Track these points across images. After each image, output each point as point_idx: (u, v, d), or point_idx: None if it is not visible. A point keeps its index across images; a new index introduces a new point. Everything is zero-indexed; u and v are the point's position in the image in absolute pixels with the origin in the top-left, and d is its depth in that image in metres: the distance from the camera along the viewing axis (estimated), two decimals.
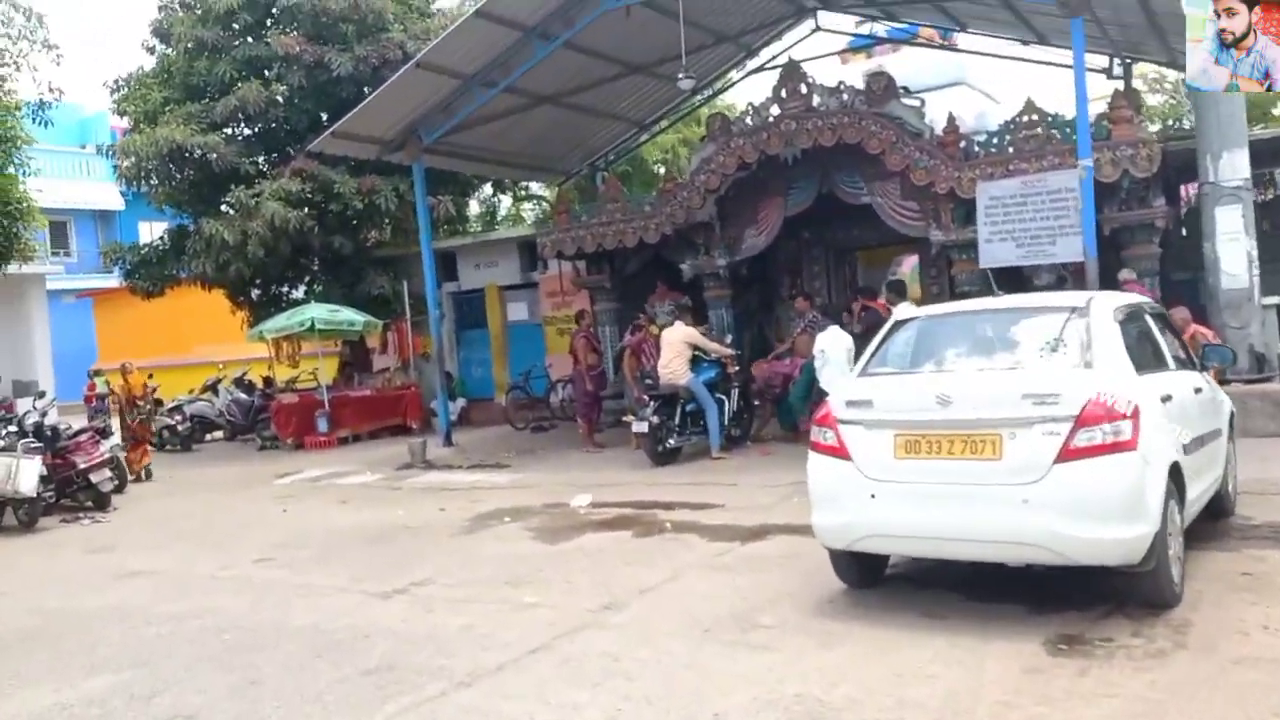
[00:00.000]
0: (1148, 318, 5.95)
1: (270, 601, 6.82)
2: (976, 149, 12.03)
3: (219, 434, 19.67)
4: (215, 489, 12.95)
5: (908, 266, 19.14)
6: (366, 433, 17.35)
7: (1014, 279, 11.84)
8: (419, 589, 6.78)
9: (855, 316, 10.91)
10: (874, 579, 5.77)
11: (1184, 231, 12.86)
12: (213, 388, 20.21)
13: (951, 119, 12.25)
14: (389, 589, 6.82)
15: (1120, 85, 13.35)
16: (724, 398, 11.75)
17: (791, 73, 12.80)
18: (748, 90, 16.85)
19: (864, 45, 17.91)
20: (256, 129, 18.19)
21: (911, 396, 5.13)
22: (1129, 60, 13.74)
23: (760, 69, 16.43)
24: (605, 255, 14.94)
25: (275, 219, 15.74)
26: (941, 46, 16.39)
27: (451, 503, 10.19)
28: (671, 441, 11.30)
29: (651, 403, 11.18)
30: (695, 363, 11.70)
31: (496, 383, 18.70)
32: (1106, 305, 5.41)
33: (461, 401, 18.24)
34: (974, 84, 16.87)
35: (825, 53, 16.42)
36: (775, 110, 12.69)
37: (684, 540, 7.55)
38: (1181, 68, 13.66)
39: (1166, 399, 5.23)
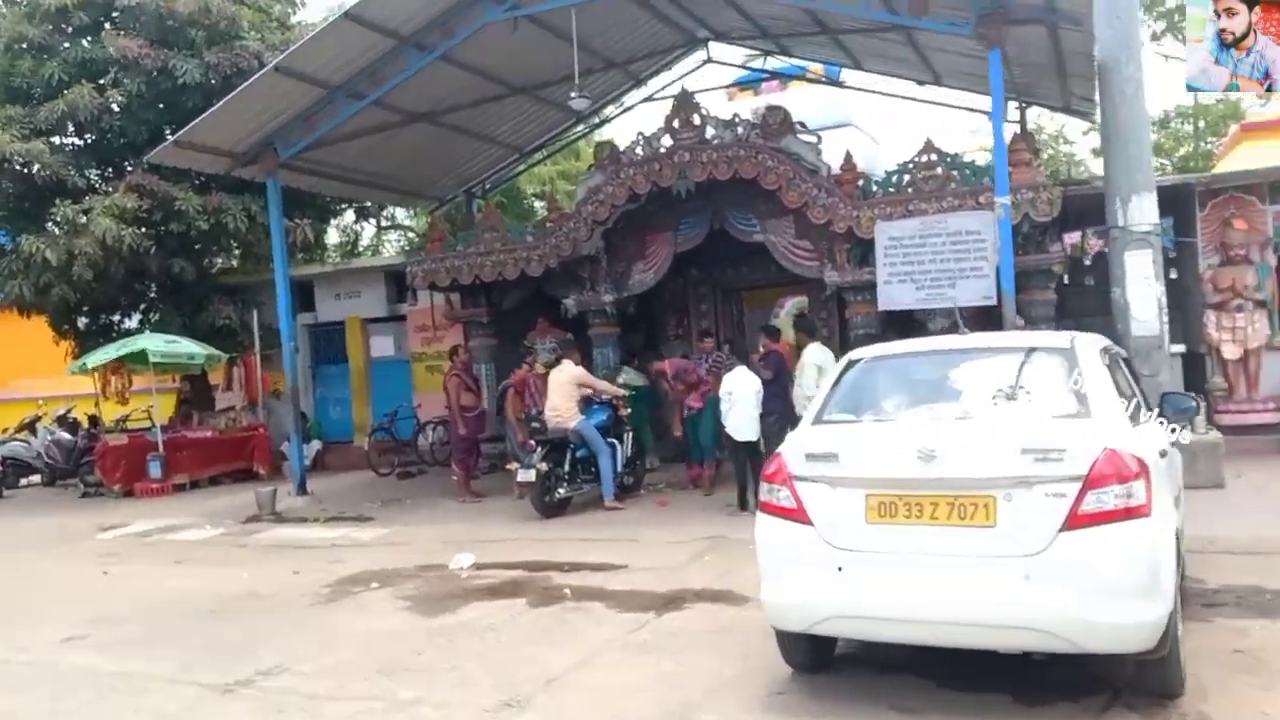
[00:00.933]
0: (1121, 362, 5.36)
1: (76, 699, 5.43)
2: (875, 188, 11.69)
3: (36, 479, 17.42)
4: (23, 545, 11.10)
5: (787, 308, 18.86)
6: (207, 479, 15.58)
7: (905, 324, 11.52)
8: (267, 680, 5.52)
9: (760, 359, 10.20)
10: (826, 661, 4.91)
11: (1065, 279, 12.80)
12: (30, 426, 17.93)
13: (849, 157, 11.89)
14: (230, 680, 5.54)
15: (1016, 129, 13.26)
16: (616, 442, 10.81)
17: (685, 103, 12.22)
18: (631, 123, 16.17)
19: (752, 81, 17.51)
20: (87, 139, 16.28)
21: (886, 449, 4.31)
22: (1025, 104, 13.69)
23: (649, 99, 15.78)
24: (482, 288, 13.96)
25: (107, 237, 13.95)
26: (832, 83, 16.08)
27: (307, 564, 8.84)
28: (561, 491, 10.25)
29: (538, 448, 10.13)
30: (585, 404, 10.78)
31: (356, 424, 17.18)
32: (1091, 346, 4.77)
33: (317, 444, 16.71)
34: (861, 126, 16.69)
35: (712, 86, 15.92)
36: (667, 141, 12.11)
37: (589, 611, 6.53)
38: (1076, 112, 13.85)
39: (1163, 454, 4.60)
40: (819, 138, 12.30)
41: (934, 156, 11.42)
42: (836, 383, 4.93)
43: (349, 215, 22.52)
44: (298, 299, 15.75)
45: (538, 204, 24.08)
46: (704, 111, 12.14)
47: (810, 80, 16.46)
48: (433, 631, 6.29)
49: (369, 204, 19.83)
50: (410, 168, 15.09)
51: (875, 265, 11.28)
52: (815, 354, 9.42)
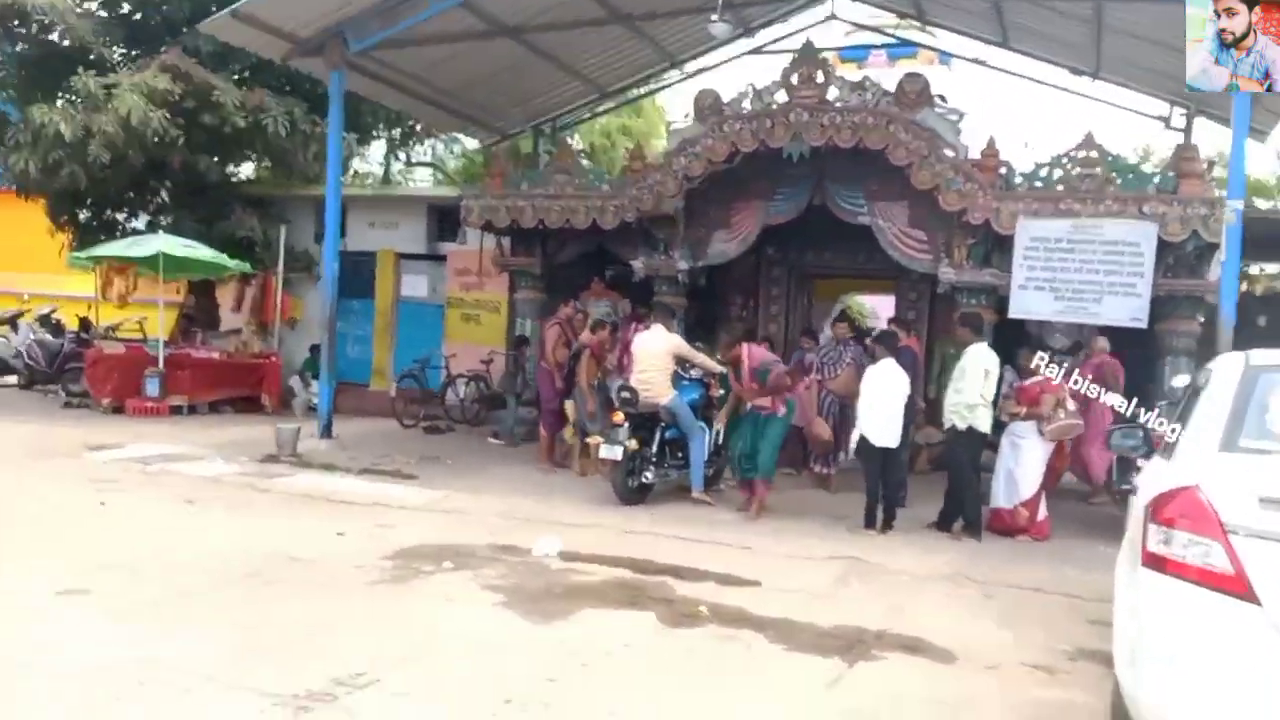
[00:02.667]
0: None
1: (84, 698, 3.89)
2: (1019, 179, 10.30)
3: (12, 380, 15.72)
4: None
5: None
6: (207, 405, 13.93)
7: (1015, 337, 10.21)
8: (352, 696, 4.00)
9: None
10: None
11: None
12: (11, 322, 16.22)
13: (993, 141, 10.45)
14: (300, 690, 4.01)
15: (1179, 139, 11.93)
16: (705, 426, 9.31)
17: (808, 57, 10.73)
18: (718, 81, 14.54)
19: (856, 56, 15.99)
20: (122, 9, 14.53)
21: None
22: (1192, 112, 12.30)
23: (758, 51, 14.25)
24: (538, 235, 12.41)
25: (132, 117, 12.22)
26: (979, 61, 14.53)
27: (352, 524, 7.31)
28: (647, 475, 8.72)
29: (625, 423, 8.60)
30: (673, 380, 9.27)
31: (376, 367, 15.59)
32: None
33: None
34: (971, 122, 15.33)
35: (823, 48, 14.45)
36: (781, 96, 10.61)
37: (747, 643, 5.03)
38: (1255, 131, 12.47)
39: None
40: (960, 115, 10.90)
41: (1093, 153, 10.06)
42: (1244, 396, 3.45)
43: (377, 149, 20.80)
44: None
45: (584, 161, 22.45)
46: (830, 69, 10.72)
47: (960, 56, 14.96)
48: (553, 646, 4.78)
49: (415, 128, 18.05)
50: (481, 90, 13.48)
51: (1001, 266, 10.02)
52: (983, 356, 7.92)
